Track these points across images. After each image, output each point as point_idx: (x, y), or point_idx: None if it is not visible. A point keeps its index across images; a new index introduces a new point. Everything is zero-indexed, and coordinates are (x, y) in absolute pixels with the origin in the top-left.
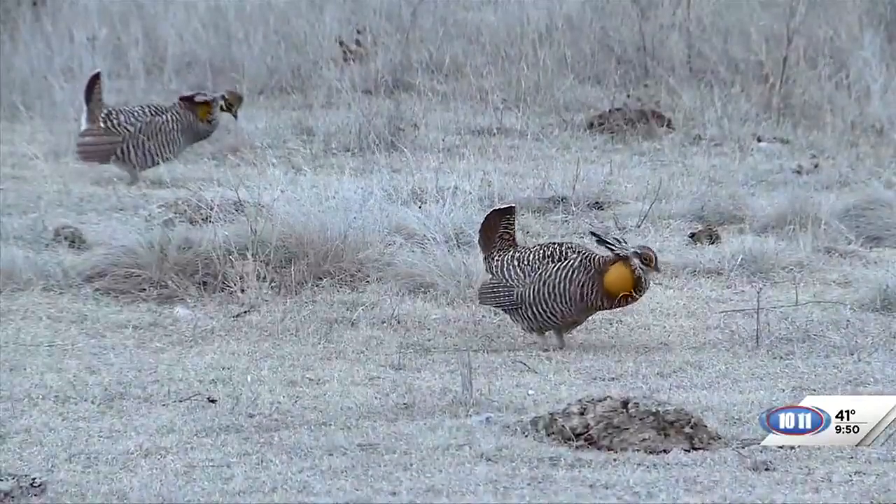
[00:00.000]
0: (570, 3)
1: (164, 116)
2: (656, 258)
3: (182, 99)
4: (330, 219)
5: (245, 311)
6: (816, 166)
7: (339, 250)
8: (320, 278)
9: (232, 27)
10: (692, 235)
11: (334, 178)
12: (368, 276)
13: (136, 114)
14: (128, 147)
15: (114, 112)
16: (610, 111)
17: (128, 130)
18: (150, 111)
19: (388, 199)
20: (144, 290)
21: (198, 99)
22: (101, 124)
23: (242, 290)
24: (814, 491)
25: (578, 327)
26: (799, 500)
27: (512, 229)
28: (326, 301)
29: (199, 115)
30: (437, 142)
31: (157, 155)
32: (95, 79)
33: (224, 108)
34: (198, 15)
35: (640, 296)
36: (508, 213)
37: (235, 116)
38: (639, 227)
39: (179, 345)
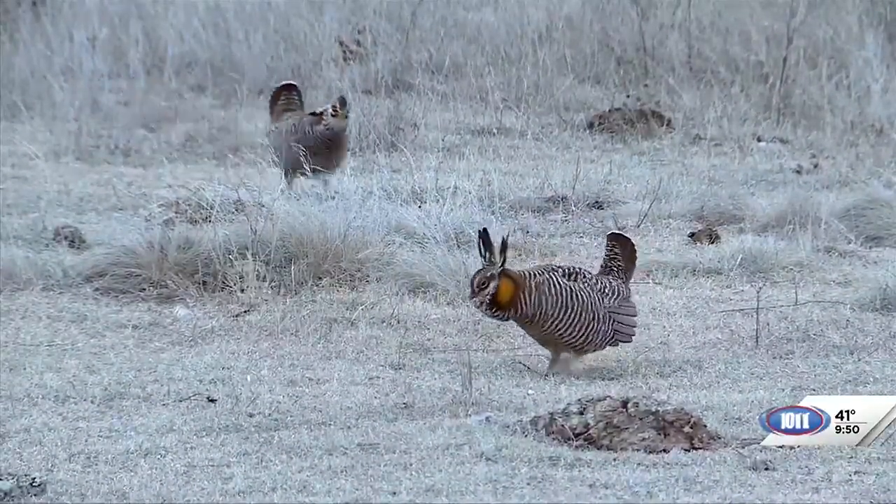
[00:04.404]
0: (570, 3)
1: (291, 127)
2: (473, 285)
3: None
4: (330, 219)
5: (245, 311)
6: (816, 166)
7: (339, 250)
8: (320, 278)
9: (232, 27)
10: (692, 235)
11: (334, 178)
12: (368, 276)
13: (280, 125)
14: (276, 158)
15: (276, 126)
16: (610, 111)
17: (273, 140)
18: (290, 124)
19: (388, 199)
20: (144, 290)
21: (317, 111)
22: (267, 139)
23: (242, 290)
24: (814, 491)
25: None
26: (799, 500)
27: (615, 256)
28: (326, 301)
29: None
30: (437, 142)
31: (289, 166)
32: (282, 90)
33: (333, 113)
34: (198, 15)
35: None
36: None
37: (346, 116)
38: (639, 226)
39: (179, 345)
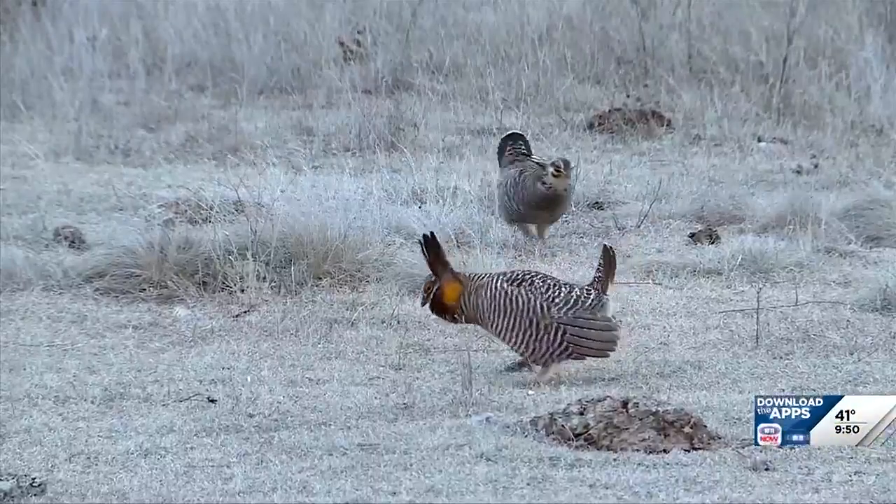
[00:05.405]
0: (570, 3)
1: (512, 181)
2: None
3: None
4: (330, 219)
5: (245, 311)
6: (816, 166)
7: (339, 250)
8: (320, 278)
9: (232, 27)
10: (692, 235)
11: (334, 178)
12: (368, 276)
13: (505, 176)
14: (498, 209)
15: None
16: (610, 111)
17: (499, 195)
18: (511, 176)
19: (388, 199)
20: (144, 290)
21: (541, 162)
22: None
23: (242, 290)
24: (814, 491)
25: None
26: (799, 500)
27: (599, 267)
28: (326, 301)
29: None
30: (437, 142)
31: (510, 219)
32: (507, 140)
33: (556, 174)
34: (198, 15)
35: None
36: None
37: (568, 176)
38: (639, 227)
39: (179, 345)
